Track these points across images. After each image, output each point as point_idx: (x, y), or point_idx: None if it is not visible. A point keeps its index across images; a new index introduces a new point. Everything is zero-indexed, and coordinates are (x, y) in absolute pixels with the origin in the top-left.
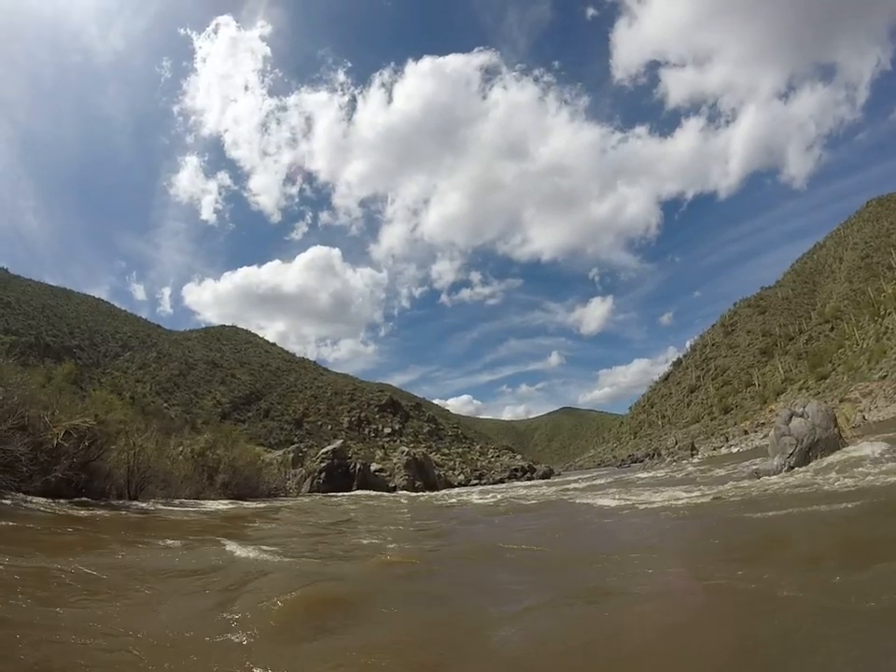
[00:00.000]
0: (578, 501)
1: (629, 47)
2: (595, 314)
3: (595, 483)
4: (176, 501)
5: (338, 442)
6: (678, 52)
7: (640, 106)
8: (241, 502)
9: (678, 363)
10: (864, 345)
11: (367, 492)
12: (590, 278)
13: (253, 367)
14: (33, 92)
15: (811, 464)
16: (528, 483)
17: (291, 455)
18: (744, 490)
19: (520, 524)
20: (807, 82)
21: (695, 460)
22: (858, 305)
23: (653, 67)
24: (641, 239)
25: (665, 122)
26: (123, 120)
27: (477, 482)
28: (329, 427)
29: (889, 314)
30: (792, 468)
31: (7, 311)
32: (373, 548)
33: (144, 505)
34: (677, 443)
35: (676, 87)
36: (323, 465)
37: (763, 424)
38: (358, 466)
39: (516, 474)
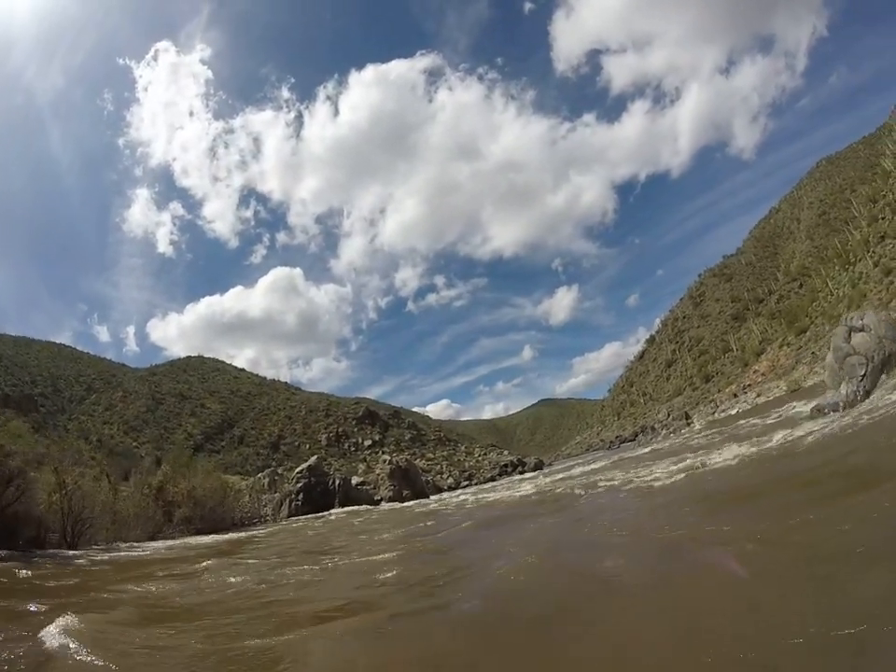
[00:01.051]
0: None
1: (569, 38)
2: (561, 304)
3: (596, 465)
4: (124, 545)
5: (313, 459)
6: (617, 39)
7: (586, 95)
8: (202, 538)
9: (651, 340)
10: (840, 293)
11: (350, 508)
12: (553, 269)
13: (223, 394)
14: None
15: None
16: (521, 477)
17: (266, 479)
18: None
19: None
20: (747, 55)
21: (697, 427)
22: (823, 260)
23: (594, 55)
24: (599, 225)
25: (612, 108)
26: (70, 159)
27: (467, 482)
28: (308, 446)
29: (861, 259)
30: (868, 392)
31: None
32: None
33: (75, 553)
34: (669, 415)
35: (618, 72)
36: (299, 485)
37: (749, 385)
38: (338, 481)
39: (506, 470)
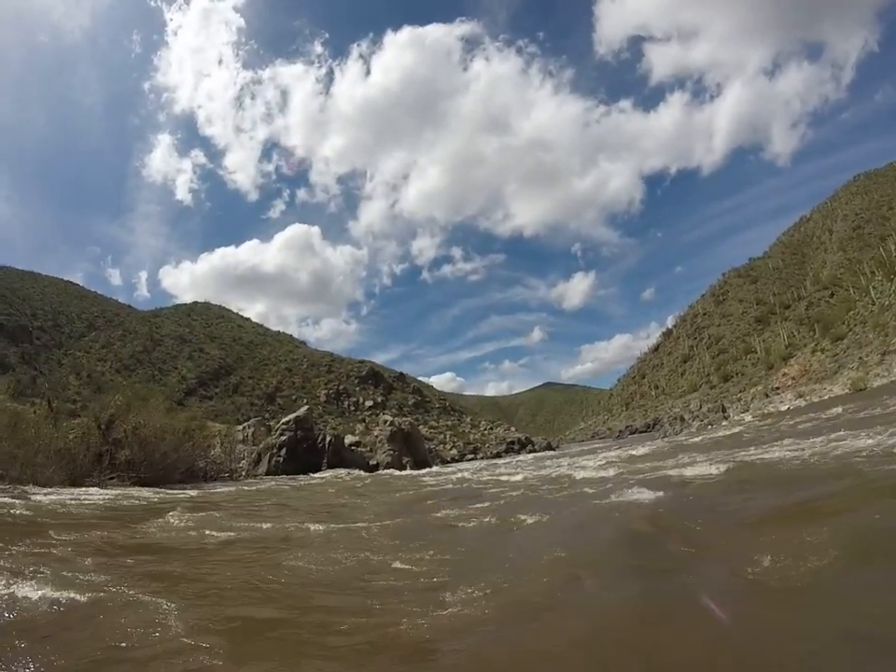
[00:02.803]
0: None
1: (613, 20)
2: (577, 289)
3: (638, 451)
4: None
5: (302, 409)
6: (662, 27)
7: (624, 80)
8: (132, 490)
9: (668, 333)
10: (886, 302)
11: (340, 471)
12: (572, 253)
13: (224, 341)
14: None
15: None
16: (532, 455)
17: (251, 429)
18: None
19: None
20: (794, 60)
21: (749, 419)
22: (856, 273)
23: (637, 42)
24: (624, 214)
25: (649, 97)
26: (93, 100)
27: (472, 456)
28: (305, 401)
29: None
30: None
31: None
32: None
33: None
34: (701, 406)
35: (660, 61)
36: (283, 438)
37: (778, 388)
38: (329, 438)
39: (513, 447)
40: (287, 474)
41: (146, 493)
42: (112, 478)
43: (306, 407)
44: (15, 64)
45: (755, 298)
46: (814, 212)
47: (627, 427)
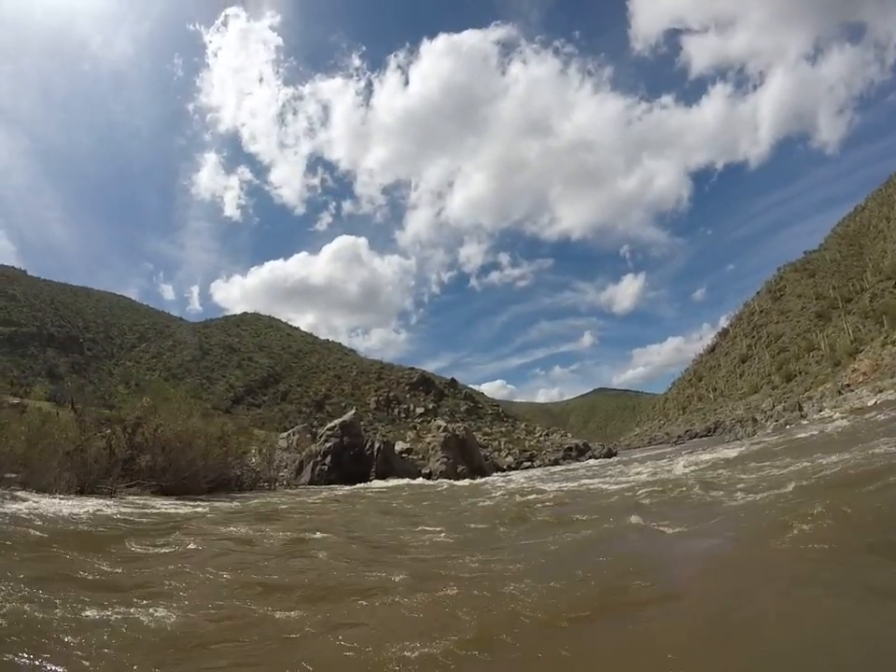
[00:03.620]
0: None
1: (648, 14)
2: (626, 291)
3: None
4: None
5: (349, 414)
6: (698, 18)
7: (664, 75)
8: (152, 500)
9: (724, 333)
10: None
11: (390, 482)
12: (621, 255)
13: (273, 350)
14: (45, 105)
15: None
16: (594, 462)
17: (296, 436)
18: None
19: None
20: (835, 43)
21: (837, 415)
22: None
23: (674, 35)
24: (672, 213)
25: (691, 91)
26: (139, 123)
27: (529, 464)
28: (354, 408)
29: None
30: None
31: (12, 304)
32: None
33: None
34: (774, 406)
35: (699, 53)
36: (328, 445)
37: (848, 385)
38: (378, 445)
39: (570, 454)
40: (332, 483)
41: (160, 503)
42: (132, 485)
43: (353, 411)
44: (60, 92)
45: (814, 292)
46: (868, 200)
47: (686, 431)
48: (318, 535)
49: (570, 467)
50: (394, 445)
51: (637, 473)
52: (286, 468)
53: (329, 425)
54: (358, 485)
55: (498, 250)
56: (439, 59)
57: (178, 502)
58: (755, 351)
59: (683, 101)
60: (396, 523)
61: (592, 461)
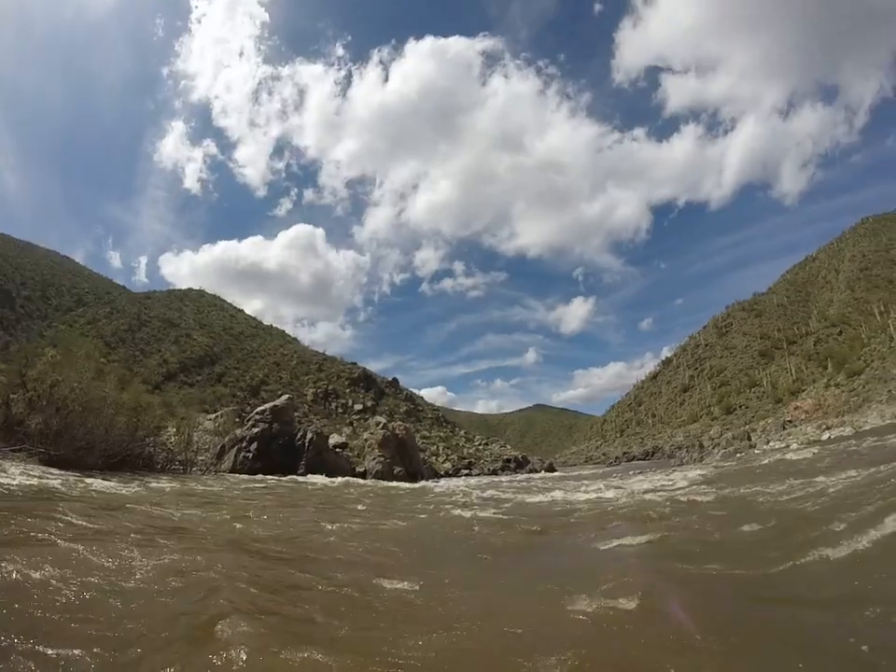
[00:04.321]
0: None
1: (633, 48)
2: (575, 313)
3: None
4: None
5: (282, 398)
6: (681, 58)
7: (639, 109)
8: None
9: (667, 362)
10: None
11: (318, 478)
12: (573, 277)
13: (214, 329)
14: (21, 46)
15: None
16: (539, 476)
17: (224, 418)
18: None
19: None
20: (808, 100)
21: (795, 445)
22: (863, 312)
23: (655, 71)
24: (629, 242)
25: (663, 127)
26: (111, 80)
27: (467, 472)
28: (290, 398)
29: None
30: None
31: None
32: None
33: None
34: (722, 434)
35: (676, 93)
36: (255, 430)
37: (790, 421)
38: (310, 436)
39: (509, 465)
40: (257, 473)
41: (35, 475)
42: (17, 450)
43: (287, 396)
44: (39, 36)
45: (759, 332)
46: (820, 251)
47: (625, 453)
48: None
49: (511, 477)
50: (328, 438)
51: (601, 490)
52: (207, 451)
53: (259, 408)
54: (289, 477)
55: (454, 258)
56: (422, 60)
57: (57, 473)
58: (697, 382)
59: (655, 136)
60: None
61: (535, 475)
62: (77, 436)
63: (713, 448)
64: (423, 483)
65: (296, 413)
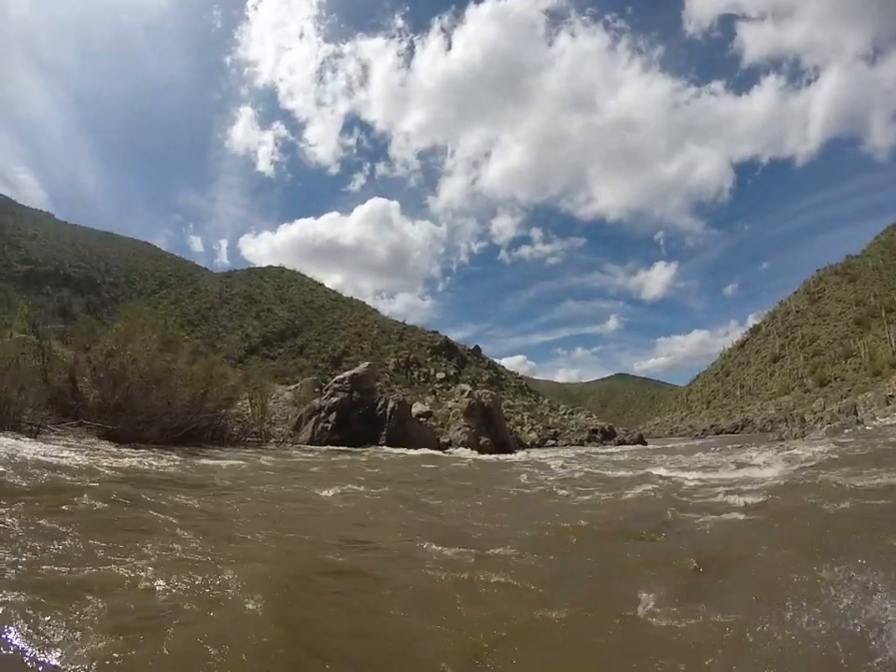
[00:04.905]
0: None
1: None
2: (657, 279)
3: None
4: None
5: (362, 366)
6: (755, 5)
7: (715, 60)
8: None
9: (755, 330)
10: None
11: (400, 451)
12: (655, 241)
13: (294, 303)
14: (83, 55)
15: None
16: (633, 447)
17: (303, 388)
18: None
19: None
20: (894, 46)
21: None
22: None
23: (729, 20)
24: (712, 203)
25: (742, 79)
26: (176, 75)
27: (553, 442)
28: (371, 365)
29: None
30: None
31: (32, 243)
32: None
33: None
34: (826, 407)
35: (753, 42)
36: (334, 400)
37: (892, 396)
38: (392, 405)
39: (595, 436)
40: (335, 445)
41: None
42: (74, 425)
43: (367, 364)
44: (98, 43)
45: (854, 298)
46: None
47: (712, 426)
48: None
49: (609, 450)
50: (411, 407)
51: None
52: (284, 422)
53: (338, 377)
54: (365, 448)
55: (531, 225)
56: (484, 24)
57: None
58: (788, 351)
59: (734, 89)
60: None
61: (627, 446)
62: (138, 409)
63: (815, 423)
64: (512, 455)
65: (377, 383)
